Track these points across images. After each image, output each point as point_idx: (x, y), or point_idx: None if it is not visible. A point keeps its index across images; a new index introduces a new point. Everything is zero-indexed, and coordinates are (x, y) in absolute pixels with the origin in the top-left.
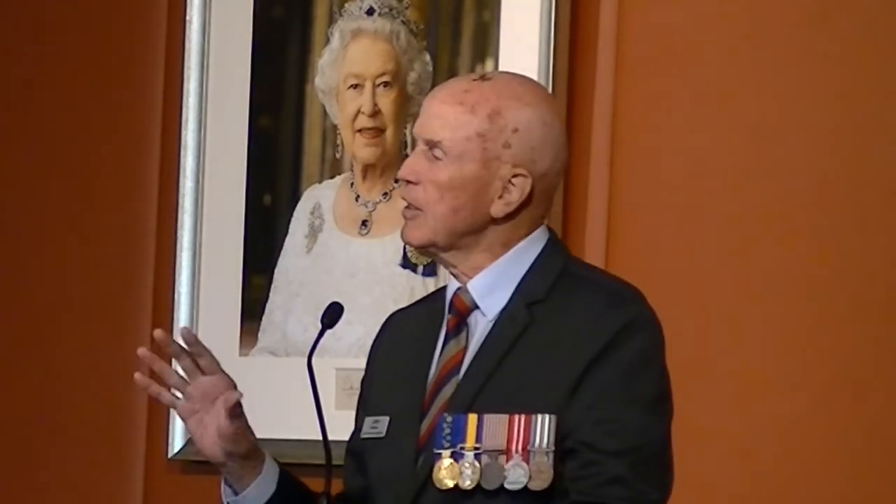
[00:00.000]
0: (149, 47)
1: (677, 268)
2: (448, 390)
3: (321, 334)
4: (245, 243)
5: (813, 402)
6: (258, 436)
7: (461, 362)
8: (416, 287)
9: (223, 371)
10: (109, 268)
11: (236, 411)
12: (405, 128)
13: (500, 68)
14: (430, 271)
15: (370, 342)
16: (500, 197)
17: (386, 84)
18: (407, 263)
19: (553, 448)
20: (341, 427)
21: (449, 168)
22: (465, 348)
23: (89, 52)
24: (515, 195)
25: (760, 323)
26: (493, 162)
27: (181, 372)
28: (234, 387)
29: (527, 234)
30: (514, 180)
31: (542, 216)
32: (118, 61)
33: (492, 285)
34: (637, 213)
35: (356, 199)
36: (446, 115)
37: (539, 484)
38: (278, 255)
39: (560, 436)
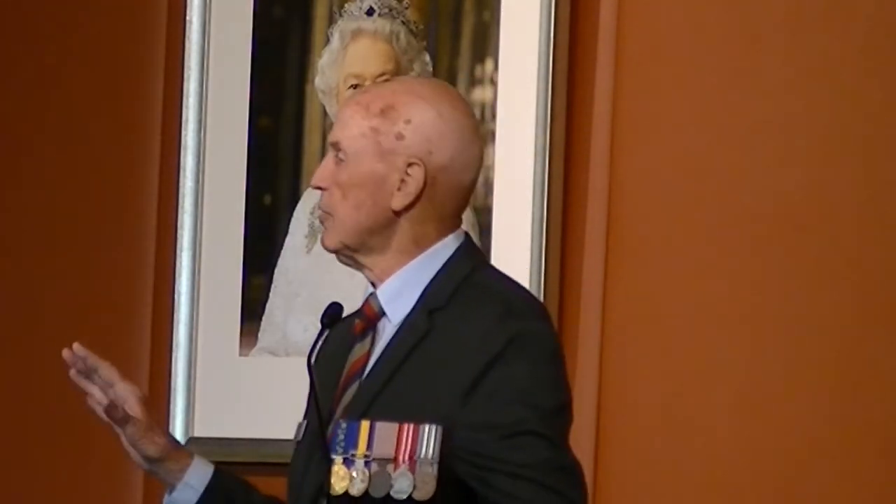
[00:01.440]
0: (149, 47)
1: (677, 267)
2: (349, 395)
3: (321, 334)
4: (245, 243)
5: (813, 402)
6: (258, 436)
7: (364, 366)
8: None
9: (123, 380)
10: (109, 268)
11: (116, 416)
12: None
13: (500, 68)
14: None
15: None
16: (399, 189)
17: None
18: None
19: (438, 459)
20: None
21: (349, 167)
22: (370, 353)
23: (89, 52)
24: (412, 186)
25: (760, 323)
26: (389, 155)
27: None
28: (138, 393)
29: (439, 236)
30: (409, 170)
31: (455, 216)
32: (118, 61)
33: (398, 291)
34: (637, 213)
35: None
36: (344, 115)
37: (423, 494)
38: (278, 255)
39: (449, 447)
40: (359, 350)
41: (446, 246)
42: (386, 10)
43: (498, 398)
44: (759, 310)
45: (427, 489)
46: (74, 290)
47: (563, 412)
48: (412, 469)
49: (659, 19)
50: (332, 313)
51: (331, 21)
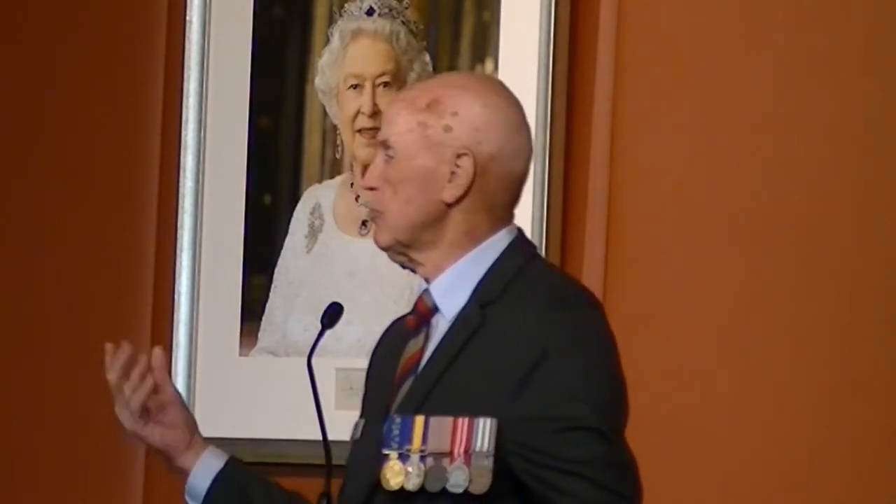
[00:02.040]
0: (149, 47)
1: (677, 267)
2: (404, 391)
3: (321, 334)
4: (245, 243)
5: (813, 402)
6: (258, 436)
7: (418, 362)
8: (416, 287)
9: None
10: (109, 268)
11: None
12: None
13: (500, 68)
14: None
15: (370, 342)
16: (450, 181)
17: (386, 84)
18: None
19: (493, 452)
20: (341, 427)
21: (398, 163)
22: (423, 348)
23: (89, 52)
24: (462, 177)
25: (760, 323)
26: (437, 147)
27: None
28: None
29: (491, 229)
30: (458, 162)
31: (505, 207)
32: (118, 61)
33: (451, 286)
34: (637, 213)
35: (356, 200)
36: (390, 114)
37: (478, 487)
38: (278, 255)
39: (504, 442)
40: (412, 346)
41: (499, 240)
42: (386, 10)
43: (550, 391)
44: (759, 309)
45: (483, 482)
46: (74, 290)
47: (617, 405)
48: (467, 462)
49: (659, 19)
50: (332, 313)
51: (331, 21)
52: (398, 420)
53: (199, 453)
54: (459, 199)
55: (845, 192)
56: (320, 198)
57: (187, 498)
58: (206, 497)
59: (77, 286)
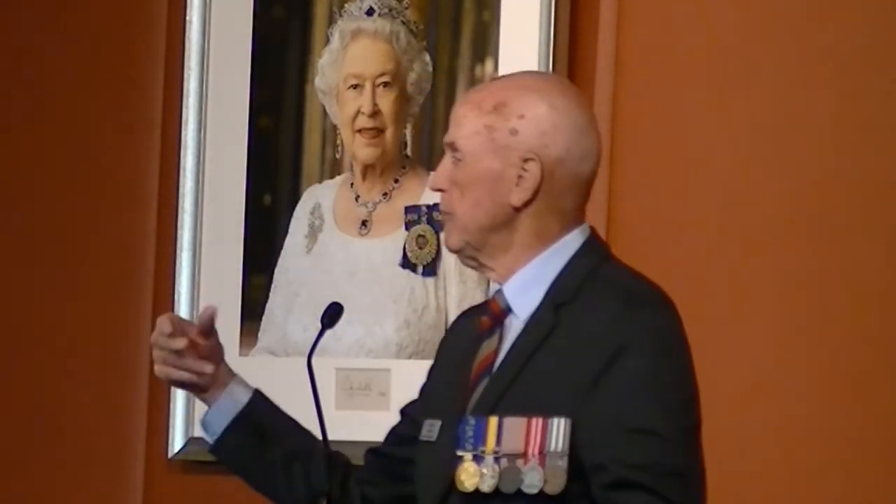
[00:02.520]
0: (149, 47)
1: (677, 267)
2: (479, 392)
3: (321, 334)
4: (245, 243)
5: (813, 402)
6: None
7: (493, 363)
8: (416, 287)
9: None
10: (109, 268)
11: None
12: (405, 128)
13: (501, 68)
14: (429, 271)
15: (370, 342)
16: (517, 185)
17: (386, 84)
18: (407, 263)
19: (568, 452)
20: (341, 427)
21: (466, 166)
22: (498, 349)
23: (89, 52)
24: (530, 181)
25: (760, 323)
26: (504, 151)
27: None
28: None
29: (562, 230)
30: (525, 166)
31: (576, 208)
32: (118, 61)
33: (524, 287)
34: (637, 213)
35: (356, 200)
36: (457, 115)
37: (553, 487)
38: (278, 255)
39: (577, 441)
40: (487, 347)
41: (572, 240)
42: (386, 10)
43: (622, 391)
44: (759, 309)
45: (557, 482)
46: (75, 291)
47: (689, 407)
48: (542, 463)
49: (659, 19)
50: (332, 313)
51: (331, 21)
52: (472, 421)
53: (223, 387)
54: (527, 203)
55: (845, 192)
56: (320, 198)
57: (203, 432)
58: (220, 440)
59: (77, 286)
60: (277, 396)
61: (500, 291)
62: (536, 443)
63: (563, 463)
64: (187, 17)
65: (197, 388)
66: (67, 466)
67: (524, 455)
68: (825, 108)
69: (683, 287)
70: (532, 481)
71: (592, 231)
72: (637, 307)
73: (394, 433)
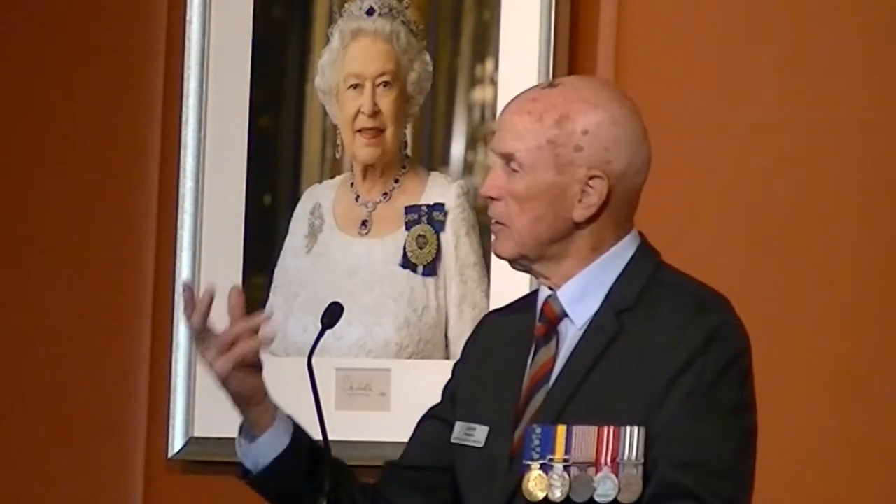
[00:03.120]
0: (149, 47)
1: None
2: (538, 400)
3: (321, 334)
4: (245, 243)
5: (813, 402)
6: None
7: (551, 371)
8: (416, 287)
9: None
10: (110, 268)
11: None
12: (405, 128)
13: (500, 68)
14: (429, 271)
15: (370, 342)
16: (580, 201)
17: (386, 84)
18: (407, 263)
19: (642, 460)
20: (341, 427)
21: (525, 179)
22: (555, 357)
23: (89, 52)
24: (594, 197)
25: (760, 322)
26: (568, 167)
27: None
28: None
29: (616, 239)
30: (591, 182)
31: (629, 217)
32: (118, 61)
33: (581, 293)
34: (637, 214)
35: (356, 199)
36: (516, 126)
37: (628, 497)
38: (278, 255)
39: (652, 448)
40: (544, 354)
41: (626, 246)
42: (386, 10)
43: (688, 395)
44: (759, 309)
45: (633, 490)
46: (75, 290)
47: (745, 411)
48: (615, 471)
49: (659, 19)
50: (332, 313)
51: (331, 21)
52: (538, 430)
53: (268, 416)
54: (590, 219)
55: (845, 192)
56: (320, 198)
57: (241, 457)
58: (265, 472)
59: (77, 286)
60: (277, 396)
61: (554, 297)
62: (609, 451)
63: (637, 471)
64: (187, 17)
65: (247, 393)
66: (67, 466)
67: (596, 463)
68: (824, 108)
69: None
70: (606, 490)
71: (643, 237)
72: (705, 312)
73: (422, 442)
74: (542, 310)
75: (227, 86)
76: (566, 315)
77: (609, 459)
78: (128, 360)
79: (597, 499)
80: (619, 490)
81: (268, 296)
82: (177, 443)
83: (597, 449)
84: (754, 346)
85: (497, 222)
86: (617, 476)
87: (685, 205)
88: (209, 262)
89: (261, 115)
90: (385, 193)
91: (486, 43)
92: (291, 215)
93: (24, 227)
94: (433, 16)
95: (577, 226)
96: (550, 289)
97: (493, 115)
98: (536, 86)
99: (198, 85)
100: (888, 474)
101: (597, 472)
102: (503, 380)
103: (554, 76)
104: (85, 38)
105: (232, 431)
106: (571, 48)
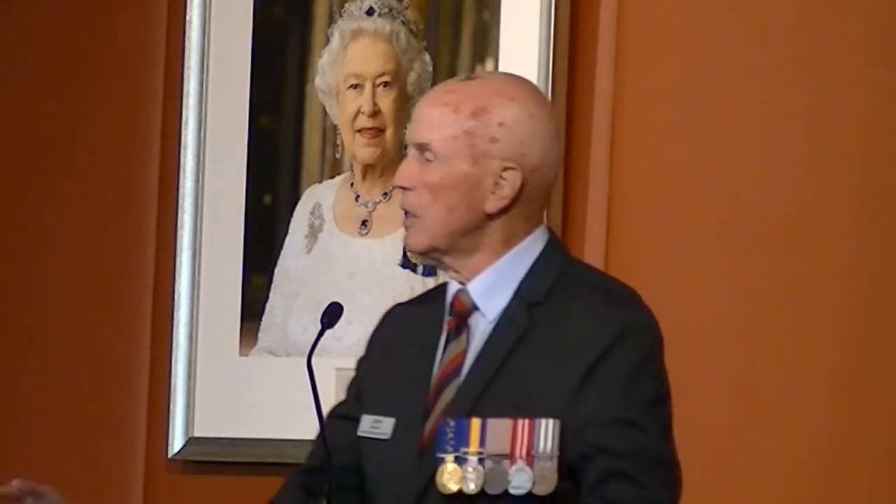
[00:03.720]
0: (149, 47)
1: (677, 268)
2: (449, 393)
3: (321, 334)
4: (245, 243)
5: (813, 402)
6: (258, 436)
7: (462, 364)
8: (416, 287)
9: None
10: (109, 268)
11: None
12: (405, 128)
13: (501, 68)
14: (429, 271)
15: None
16: (493, 193)
17: (386, 84)
18: (407, 263)
19: (557, 453)
20: None
21: (439, 169)
22: (466, 350)
23: (89, 52)
24: (507, 190)
25: (760, 323)
26: (482, 158)
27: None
28: None
29: (526, 233)
30: (504, 174)
31: (540, 212)
32: (118, 61)
33: (492, 286)
34: (637, 213)
35: (356, 199)
36: (433, 116)
37: (543, 489)
38: (278, 255)
39: (565, 440)
40: (455, 348)
41: (535, 240)
42: (386, 10)
43: (608, 388)
44: (759, 309)
45: (548, 483)
46: (75, 290)
47: (664, 402)
48: (530, 464)
49: (659, 19)
50: (332, 313)
51: (331, 21)
52: (452, 423)
53: None
54: (502, 211)
55: (845, 192)
56: (320, 198)
57: None
58: None
59: (77, 286)
60: (277, 396)
61: (464, 291)
62: (524, 444)
63: (552, 464)
64: (187, 17)
65: None
66: (67, 466)
67: (511, 456)
68: (824, 108)
69: (683, 287)
70: (521, 482)
71: (552, 231)
72: (620, 306)
73: (332, 444)
74: (452, 304)
75: (227, 86)
76: (477, 309)
77: (524, 452)
78: (128, 360)
79: (511, 491)
80: (534, 482)
81: (268, 296)
82: (177, 443)
83: (511, 442)
84: (754, 345)
85: (409, 214)
86: (532, 468)
87: (685, 205)
88: (209, 262)
89: (261, 115)
90: (385, 193)
91: (486, 43)
92: (291, 215)
93: (24, 228)
94: (433, 16)
95: (489, 217)
96: (460, 283)
97: None
98: (454, 78)
99: (198, 85)
100: (887, 474)
101: (511, 464)
102: (411, 373)
103: (554, 76)
104: (85, 38)
105: (232, 432)
106: (571, 48)
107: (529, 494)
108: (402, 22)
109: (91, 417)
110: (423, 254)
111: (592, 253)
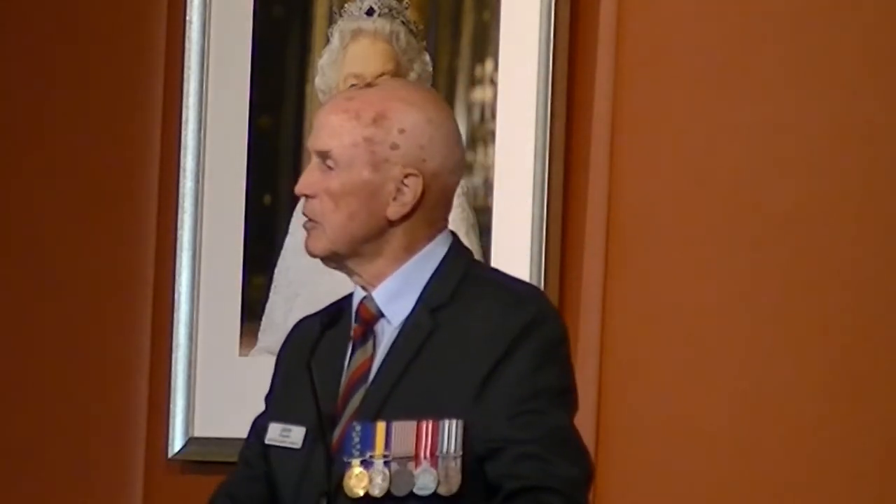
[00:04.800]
0: (149, 47)
1: (677, 268)
2: (357, 399)
3: (321, 334)
4: (245, 243)
5: (813, 403)
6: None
7: (369, 370)
8: None
9: None
10: (109, 268)
11: None
12: None
13: (500, 68)
14: None
15: None
16: (395, 199)
17: None
18: None
19: (461, 453)
20: None
21: (340, 176)
22: (373, 356)
23: (89, 53)
24: (409, 196)
25: (760, 323)
26: (383, 164)
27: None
28: None
29: (429, 238)
30: (405, 181)
31: (443, 217)
32: (118, 61)
33: (396, 292)
34: (637, 213)
35: None
36: (332, 123)
37: (448, 489)
38: (278, 255)
39: (471, 439)
40: (361, 355)
41: (438, 245)
42: (386, 10)
43: (511, 386)
44: (758, 310)
45: (453, 483)
46: (75, 290)
47: (568, 394)
48: (434, 465)
49: (659, 19)
50: (333, 313)
51: (331, 21)
52: (358, 427)
53: None
54: (404, 217)
55: (845, 193)
56: None
57: None
58: None
59: (77, 286)
60: None
61: (369, 298)
62: (428, 445)
63: (456, 464)
64: (187, 17)
65: None
66: (67, 466)
67: (416, 458)
68: (824, 108)
69: (683, 286)
70: (425, 483)
71: (454, 235)
72: (518, 305)
73: (253, 460)
74: (357, 311)
75: (227, 86)
76: (382, 315)
77: (428, 453)
78: (128, 361)
79: (416, 492)
80: (439, 482)
81: (268, 296)
82: (177, 443)
83: (416, 443)
84: (754, 344)
85: (310, 220)
86: (436, 469)
87: (685, 205)
88: (209, 262)
89: (261, 115)
90: None
91: (485, 43)
92: (291, 215)
93: (24, 228)
94: (433, 16)
95: (391, 224)
96: (364, 289)
97: (493, 115)
98: (348, 89)
99: (198, 85)
100: (889, 475)
101: (416, 466)
102: (319, 381)
103: (554, 76)
104: (85, 38)
105: (232, 432)
106: (571, 48)
107: (435, 495)
108: (402, 22)
109: (91, 418)
110: (324, 259)
111: (592, 252)
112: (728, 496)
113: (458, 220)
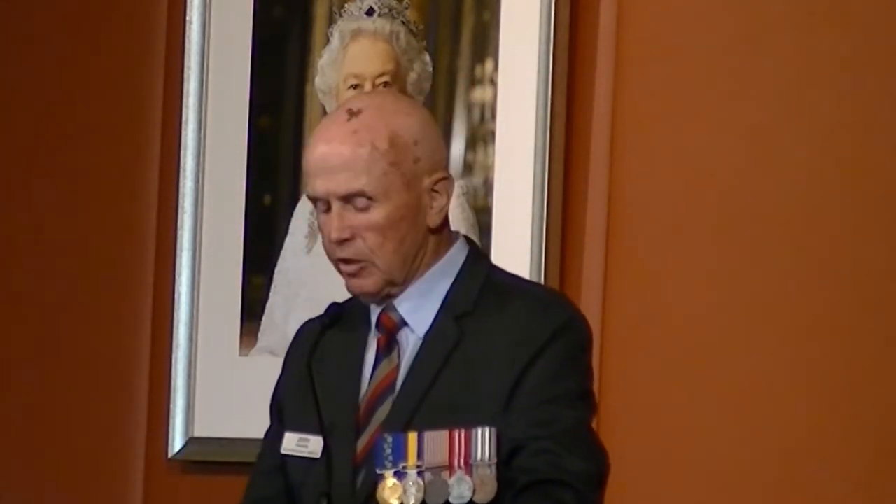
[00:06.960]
0: (149, 47)
1: (677, 267)
2: (384, 409)
3: (321, 334)
4: (245, 243)
5: (813, 403)
6: (258, 436)
7: (395, 380)
8: None
9: None
10: (109, 268)
11: None
12: None
13: (500, 68)
14: None
15: None
16: (432, 207)
17: (386, 84)
18: None
19: (495, 460)
20: None
21: (383, 209)
22: (398, 366)
23: (89, 53)
24: (444, 197)
25: (760, 323)
26: (414, 181)
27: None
28: None
29: (449, 244)
30: (436, 187)
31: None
32: (118, 62)
33: (419, 301)
34: (637, 213)
35: None
36: (350, 163)
37: (483, 496)
38: (278, 255)
39: (501, 446)
40: (386, 365)
41: (457, 252)
42: (386, 10)
43: (535, 387)
44: (758, 309)
45: (488, 490)
46: (75, 290)
47: (588, 397)
48: (468, 473)
49: (659, 19)
50: (333, 313)
51: (331, 21)
52: (389, 438)
53: None
54: (444, 220)
55: (845, 193)
56: None
57: None
58: None
59: (77, 286)
60: None
61: (391, 307)
62: (461, 454)
63: (491, 471)
64: (187, 17)
65: None
66: (67, 466)
67: (449, 467)
68: (824, 108)
69: (683, 286)
70: (461, 492)
71: (470, 240)
72: (552, 309)
73: (271, 471)
74: (379, 320)
75: (227, 86)
76: (405, 324)
77: (462, 462)
78: (128, 361)
79: (452, 501)
80: (475, 490)
81: (268, 296)
82: (177, 443)
83: (449, 452)
84: (753, 344)
85: (355, 261)
86: (471, 477)
87: (685, 205)
88: (209, 262)
89: (261, 115)
90: None
91: (485, 43)
92: (291, 215)
93: (24, 227)
94: (433, 16)
95: (431, 231)
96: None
97: (493, 115)
98: (333, 122)
99: (198, 85)
100: (889, 475)
101: (451, 475)
102: (336, 389)
103: (554, 76)
104: (85, 38)
105: (232, 432)
106: (571, 48)
107: (470, 503)
108: (402, 22)
109: (91, 417)
110: (380, 294)
111: (592, 253)
112: (728, 495)
113: (458, 220)
